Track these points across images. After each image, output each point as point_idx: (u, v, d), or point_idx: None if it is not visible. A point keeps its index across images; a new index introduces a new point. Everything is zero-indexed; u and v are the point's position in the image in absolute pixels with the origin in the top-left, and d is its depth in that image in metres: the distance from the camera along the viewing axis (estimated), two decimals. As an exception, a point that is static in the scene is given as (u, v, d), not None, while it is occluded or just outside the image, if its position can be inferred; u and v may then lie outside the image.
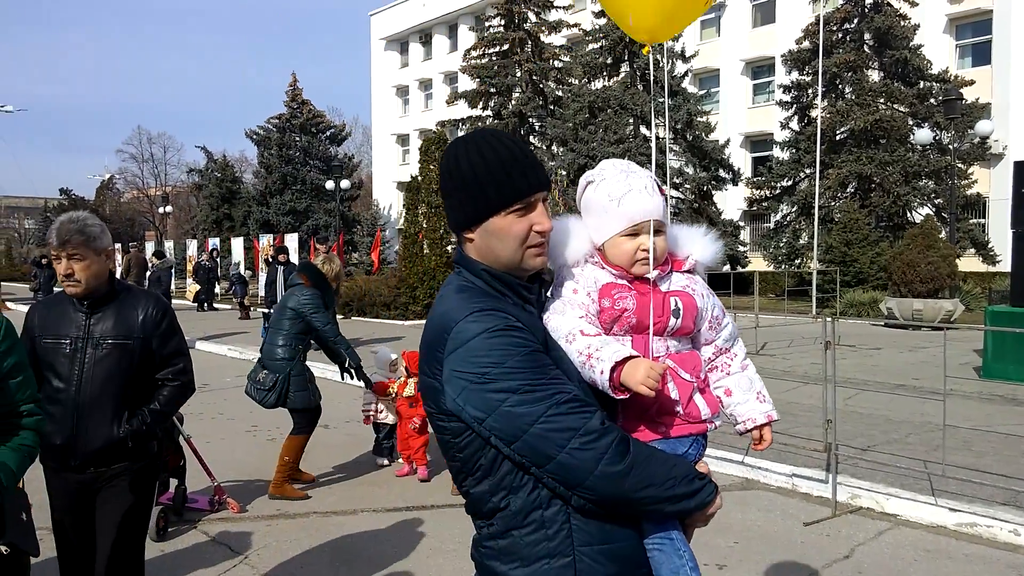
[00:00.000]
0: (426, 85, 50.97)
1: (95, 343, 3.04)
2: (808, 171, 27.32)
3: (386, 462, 6.94)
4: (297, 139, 46.10)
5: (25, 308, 24.23)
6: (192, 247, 31.65)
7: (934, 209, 26.01)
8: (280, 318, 6.13)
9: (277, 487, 5.89)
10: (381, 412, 6.90)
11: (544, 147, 35.79)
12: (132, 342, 3.06)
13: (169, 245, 35.48)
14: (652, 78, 30.58)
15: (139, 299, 3.16)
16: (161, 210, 52.49)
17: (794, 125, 28.88)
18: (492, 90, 36.36)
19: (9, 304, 26.70)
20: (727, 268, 29.81)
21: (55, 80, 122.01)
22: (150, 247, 31.54)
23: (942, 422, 5.77)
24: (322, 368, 12.15)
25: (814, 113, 26.70)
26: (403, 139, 52.61)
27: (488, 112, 36.89)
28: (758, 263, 29.71)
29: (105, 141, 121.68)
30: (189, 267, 30.98)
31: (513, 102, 36.06)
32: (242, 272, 22.74)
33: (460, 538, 5.18)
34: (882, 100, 26.59)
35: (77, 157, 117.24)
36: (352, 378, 6.56)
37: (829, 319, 6.04)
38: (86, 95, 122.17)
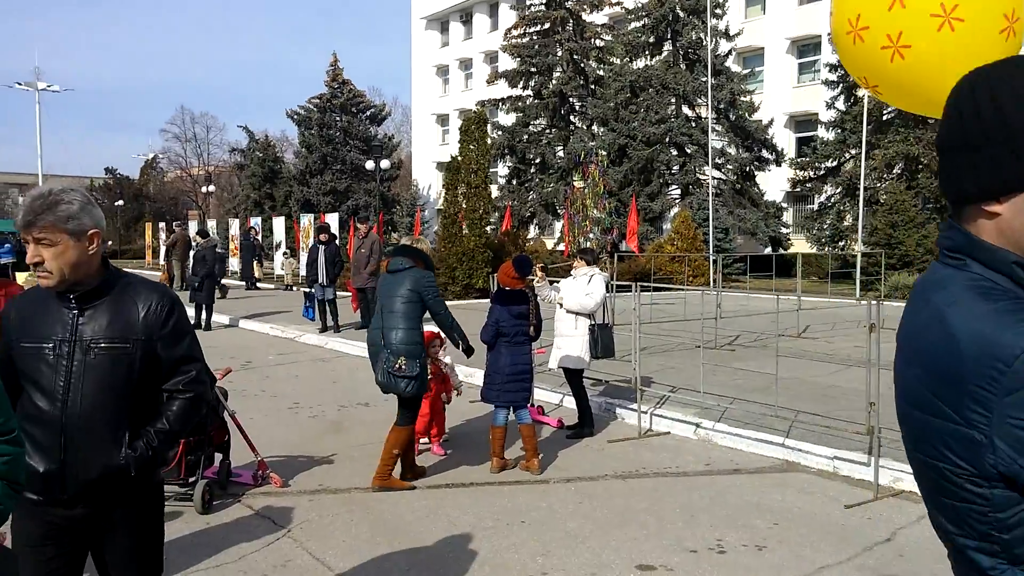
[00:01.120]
0: (466, 64, 50.85)
1: (85, 347, 2.40)
2: (853, 152, 26.75)
3: (426, 440, 7.01)
4: (337, 119, 46.38)
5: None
6: (235, 226, 32.12)
7: (984, 191, 25.31)
8: (397, 302, 5.71)
9: (383, 479, 5.67)
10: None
11: (584, 127, 35.57)
12: (131, 345, 2.43)
13: (212, 224, 36.00)
14: (695, 57, 30.16)
15: (140, 292, 2.52)
16: (204, 189, 53.28)
17: (840, 105, 28.25)
18: (533, 69, 36.18)
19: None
20: (769, 250, 29.44)
21: (100, 60, 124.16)
22: (192, 226, 32.10)
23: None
24: (361, 347, 12.31)
25: (861, 92, 26.06)
26: (443, 119, 52.63)
27: (529, 91, 36.72)
28: (801, 245, 29.25)
29: (149, 120, 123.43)
30: (232, 246, 31.49)
31: (554, 81, 35.84)
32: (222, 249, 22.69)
33: (498, 516, 5.24)
34: (932, 78, 25.84)
35: (122, 136, 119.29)
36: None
37: (874, 302, 5.94)
38: (131, 74, 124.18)
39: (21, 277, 25.83)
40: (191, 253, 15.19)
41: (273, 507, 5.28)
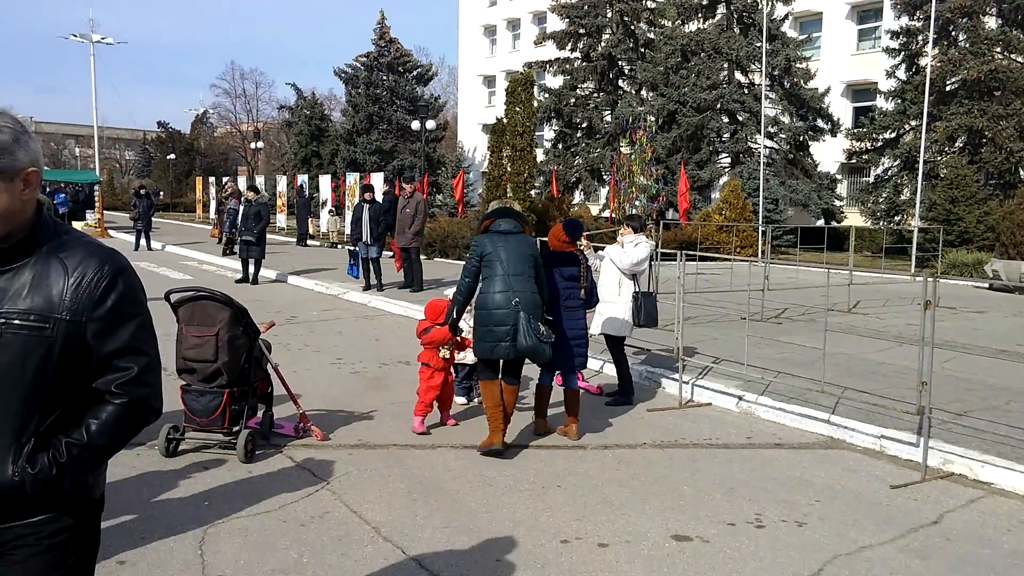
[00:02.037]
0: (514, 25, 50.21)
1: None
2: (914, 123, 25.88)
3: (464, 400, 7.03)
4: (384, 78, 46.24)
5: (126, 236, 25.46)
6: (282, 183, 32.42)
7: (1050, 168, 24.35)
8: (525, 266, 5.64)
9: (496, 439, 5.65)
10: (460, 354, 6.92)
11: (633, 91, 34.94)
12: (50, 326, 1.82)
13: (260, 180, 36.42)
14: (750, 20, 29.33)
15: (73, 255, 1.88)
16: (253, 146, 53.80)
17: (901, 74, 27.28)
18: (582, 31, 35.55)
19: (111, 232, 28.05)
20: (821, 223, 28.78)
21: (153, 14, 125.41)
22: (241, 182, 32.48)
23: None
24: (404, 306, 12.37)
25: (923, 61, 25.14)
26: (489, 80, 52.19)
27: (577, 54, 36.14)
28: (855, 219, 28.54)
29: (200, 76, 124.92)
30: (280, 203, 31.79)
31: (603, 44, 35.19)
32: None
33: (535, 478, 5.23)
34: (999, 49, 24.79)
35: (174, 91, 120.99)
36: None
37: (930, 278, 5.73)
38: (182, 29, 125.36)
39: (78, 226, 26.54)
40: (240, 209, 15.29)
41: (313, 459, 5.34)
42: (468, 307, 6.75)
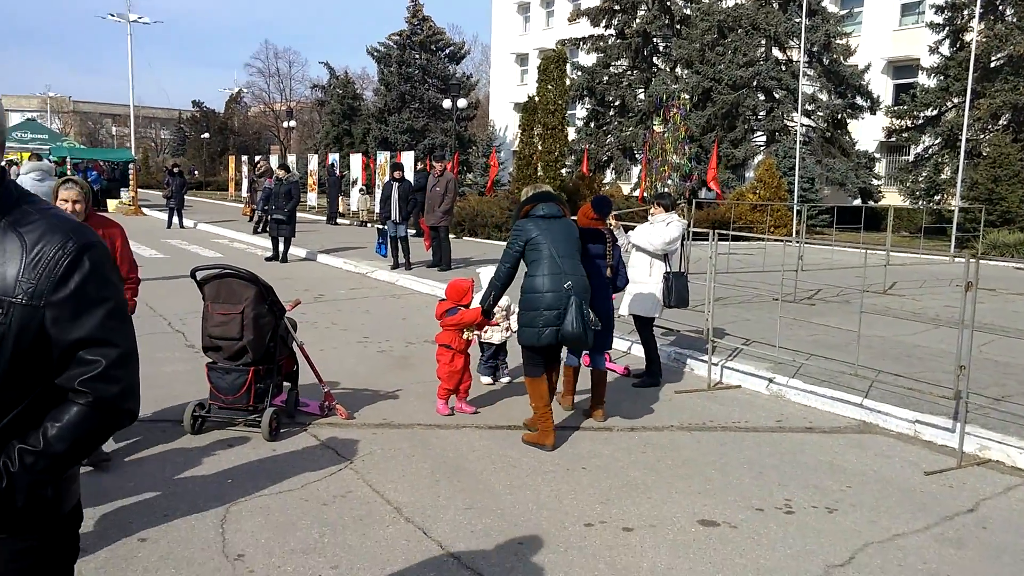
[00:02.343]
0: (548, 2, 49.65)
1: None
2: (956, 100, 25.15)
3: (490, 380, 6.99)
4: (416, 57, 46.10)
5: (160, 214, 25.76)
6: (313, 162, 32.54)
7: (1097, 146, 23.53)
8: (574, 250, 5.54)
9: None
10: (486, 332, 6.89)
11: (668, 69, 34.42)
12: (3, 311, 1.57)
13: (292, 159, 36.55)
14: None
15: (34, 230, 1.62)
16: (285, 125, 54.03)
17: (944, 50, 26.48)
18: (616, 7, 35.04)
19: (144, 210, 28.41)
20: (858, 202, 28.20)
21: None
22: (273, 160, 32.66)
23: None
24: (432, 285, 12.35)
25: (968, 36, 24.40)
26: (522, 58, 51.76)
27: (611, 31, 35.66)
28: (893, 198, 27.93)
29: (235, 55, 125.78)
30: (311, 181, 31.93)
31: (638, 20, 34.67)
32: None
33: (559, 460, 5.17)
34: (1048, 23, 23.97)
35: (208, 70, 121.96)
36: None
37: (971, 259, 5.55)
38: (218, 8, 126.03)
39: (112, 204, 26.80)
40: (271, 187, 15.33)
41: (337, 438, 5.34)
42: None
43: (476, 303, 6.15)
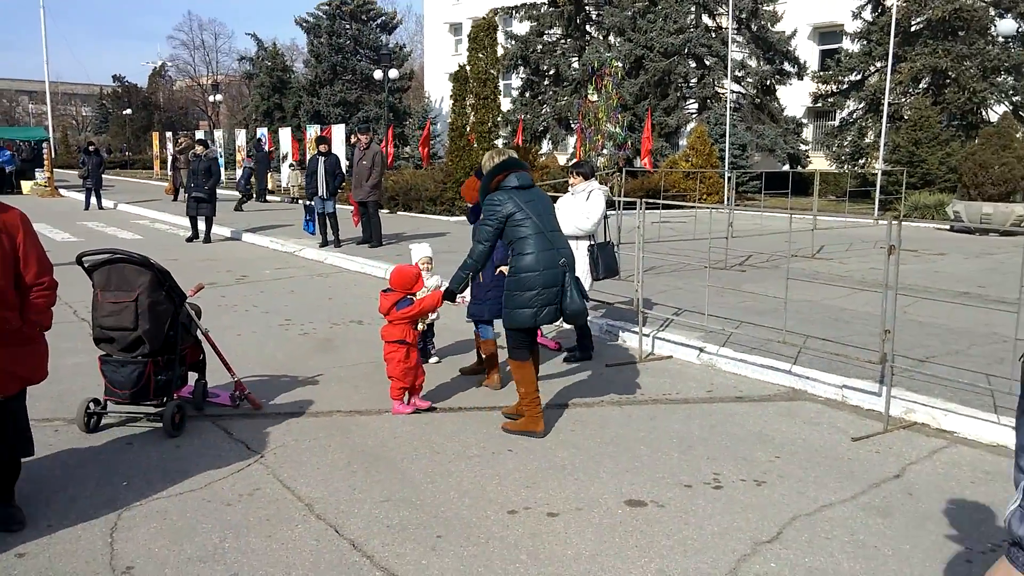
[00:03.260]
0: (479, -30, 48.85)
1: None
2: (879, 64, 25.58)
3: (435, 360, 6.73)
4: (347, 27, 44.93)
5: (78, 196, 24.57)
6: (241, 137, 31.51)
7: (1011, 107, 24.25)
8: (555, 221, 5.27)
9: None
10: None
11: (600, 37, 34.20)
12: None
13: (219, 134, 35.35)
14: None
15: None
16: (211, 99, 52.27)
17: (867, 15, 26.87)
18: (547, -25, 34.60)
19: (62, 191, 27.12)
20: (786, 167, 28.59)
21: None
22: (199, 135, 31.50)
23: (1013, 334, 5.29)
24: (361, 263, 12.00)
25: (889, 1, 24.77)
26: (456, 28, 50.90)
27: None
28: (820, 163, 28.39)
29: (157, 27, 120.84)
30: (239, 157, 30.92)
31: (569, -12, 34.28)
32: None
33: (484, 443, 4.98)
34: (965, -13, 24.50)
35: (130, 43, 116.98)
36: None
37: (894, 222, 5.51)
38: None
39: (27, 186, 25.51)
40: (191, 165, 14.64)
41: (248, 431, 5.03)
42: (429, 262, 6.44)
43: (426, 287, 5.87)
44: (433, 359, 6.82)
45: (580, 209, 6.91)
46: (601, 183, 7.45)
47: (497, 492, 4.28)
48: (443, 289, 5.42)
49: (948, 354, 6.74)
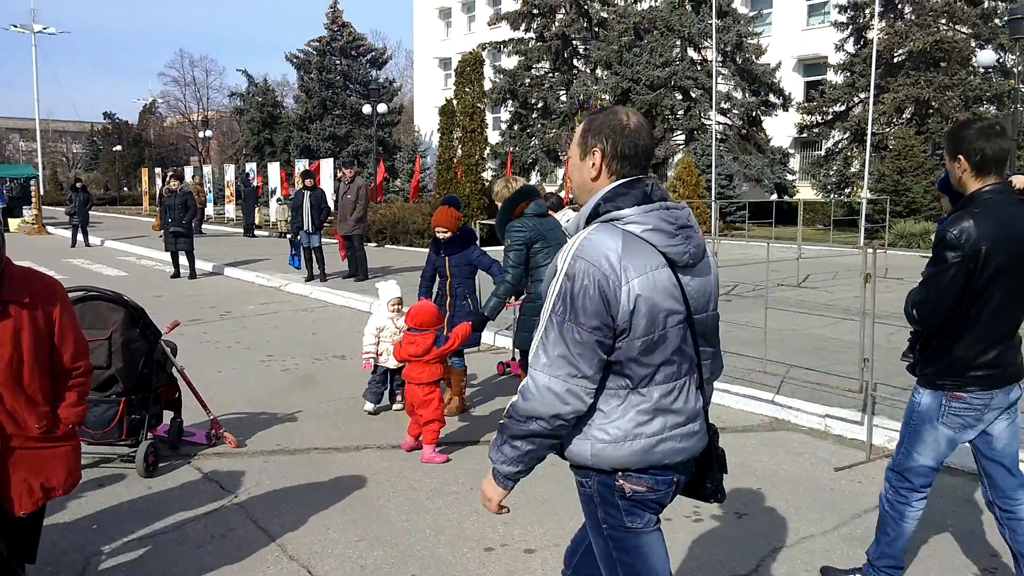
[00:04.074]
0: (469, 7, 49.48)
1: None
2: (863, 95, 25.95)
3: (372, 408, 6.23)
4: (337, 63, 45.41)
5: (63, 232, 24.52)
6: (230, 172, 31.60)
7: (996, 136, 24.55)
8: None
9: None
10: (381, 355, 6.17)
11: (588, 70, 34.61)
12: None
13: (208, 170, 35.47)
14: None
15: None
16: (201, 134, 52.51)
17: (849, 47, 27.32)
18: (535, 11, 35.08)
19: (49, 228, 27.07)
20: (774, 197, 28.81)
21: (97, 2, 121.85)
22: (188, 171, 31.59)
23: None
24: (347, 297, 11.98)
25: (871, 34, 25.17)
26: (445, 63, 51.43)
27: (531, 34, 35.69)
28: (807, 192, 28.63)
29: (148, 65, 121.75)
30: (228, 192, 30.97)
31: (556, 23, 34.79)
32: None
33: (463, 479, 4.93)
34: (944, 20, 24.94)
35: (120, 81, 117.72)
36: None
37: (870, 250, 5.53)
38: (128, 16, 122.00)
39: (14, 224, 25.34)
40: (166, 200, 14.56)
41: (223, 470, 4.96)
42: (399, 303, 6.37)
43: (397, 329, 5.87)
44: (398, 405, 6.29)
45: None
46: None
47: (474, 529, 4.22)
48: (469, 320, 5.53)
49: (931, 382, 6.72)
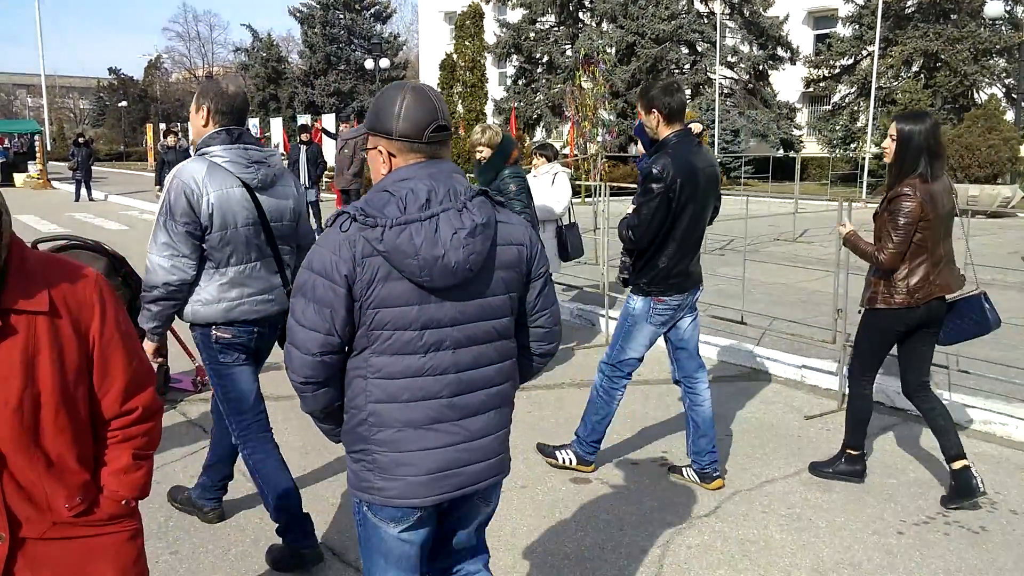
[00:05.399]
0: (473, -42, 48.69)
1: None
2: (871, 48, 25.55)
3: None
4: (341, 17, 44.90)
5: (69, 188, 24.63)
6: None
7: (1004, 90, 24.22)
8: None
9: None
10: None
11: (594, 24, 34.13)
12: None
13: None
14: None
15: None
16: (207, 91, 52.15)
17: (859, -2, 26.84)
18: (539, -38, 34.48)
19: (54, 183, 27.19)
20: (781, 152, 28.57)
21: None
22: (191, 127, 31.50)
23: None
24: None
25: (881, -16, 24.70)
26: (450, 17, 50.50)
27: (535, -14, 35.12)
28: (813, 147, 28.38)
29: (152, 20, 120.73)
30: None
31: (561, -26, 34.21)
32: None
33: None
34: (956, -31, 24.46)
35: (125, 36, 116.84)
36: None
37: (847, 202, 5.57)
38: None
39: (19, 179, 25.37)
40: (163, 156, 14.63)
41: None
42: None
43: None
44: None
45: (548, 193, 6.97)
46: (590, 168, 7.59)
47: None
48: None
49: (912, 334, 6.80)
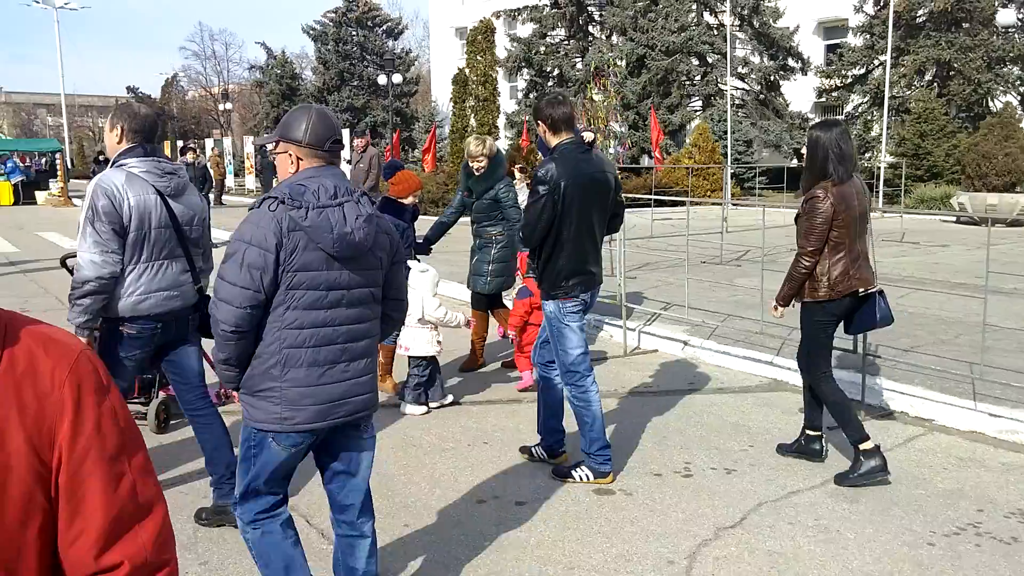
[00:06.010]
0: (484, -27, 49.01)
1: None
2: (882, 58, 25.51)
3: (424, 410, 5.50)
4: (353, 34, 45.26)
5: (88, 206, 24.70)
6: (248, 144, 31.81)
7: (1019, 97, 24.09)
8: None
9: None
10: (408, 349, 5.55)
11: (604, 37, 34.25)
12: None
13: (228, 142, 35.64)
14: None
15: None
16: (222, 107, 52.73)
17: (869, 8, 26.79)
18: (549, -23, 34.71)
19: (75, 200, 27.45)
20: (794, 163, 28.51)
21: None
22: (208, 144, 31.83)
23: (1004, 323, 5.31)
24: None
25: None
26: (461, 32, 50.88)
27: (546, 1, 35.31)
28: (826, 157, 28.26)
29: (169, 39, 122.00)
30: (248, 164, 31.20)
31: (572, -11, 34.38)
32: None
33: (460, 436, 5.07)
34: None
35: (142, 55, 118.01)
36: None
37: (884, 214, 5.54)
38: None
39: (41, 197, 25.61)
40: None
41: (232, 427, 5.13)
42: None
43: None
44: (448, 399, 5.72)
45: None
46: None
47: (468, 481, 4.36)
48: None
49: (934, 343, 6.76)
